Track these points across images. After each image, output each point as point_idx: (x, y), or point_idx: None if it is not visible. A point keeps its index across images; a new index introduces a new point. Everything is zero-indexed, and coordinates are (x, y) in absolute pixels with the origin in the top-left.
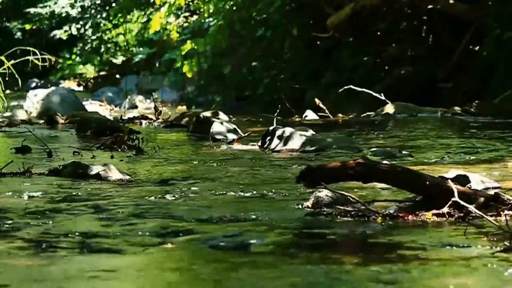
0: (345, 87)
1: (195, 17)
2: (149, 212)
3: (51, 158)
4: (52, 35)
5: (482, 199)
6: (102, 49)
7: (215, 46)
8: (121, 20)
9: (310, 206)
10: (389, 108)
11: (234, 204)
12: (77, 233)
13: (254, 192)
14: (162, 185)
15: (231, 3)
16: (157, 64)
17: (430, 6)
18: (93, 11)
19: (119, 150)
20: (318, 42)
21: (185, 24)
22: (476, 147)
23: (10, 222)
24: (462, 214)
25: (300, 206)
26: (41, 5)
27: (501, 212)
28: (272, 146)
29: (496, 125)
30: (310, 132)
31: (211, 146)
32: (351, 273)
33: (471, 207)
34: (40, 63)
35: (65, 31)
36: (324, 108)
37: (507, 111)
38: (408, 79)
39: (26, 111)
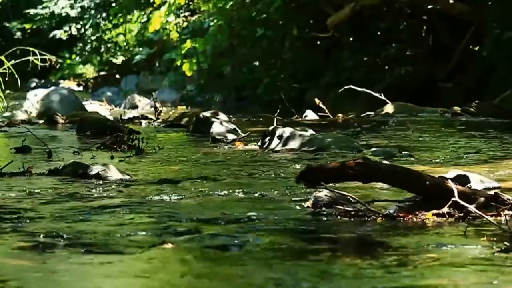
0: (345, 87)
1: (195, 16)
2: (149, 212)
3: (51, 158)
4: (52, 35)
5: (482, 199)
6: (102, 49)
7: (215, 46)
8: (121, 20)
9: (310, 206)
10: (389, 108)
11: (234, 204)
12: (76, 233)
13: (254, 192)
14: (162, 185)
15: (231, 3)
16: (157, 64)
17: (430, 6)
18: (93, 11)
19: (119, 150)
20: (318, 42)
21: (185, 24)
22: (476, 147)
23: (10, 222)
24: (462, 214)
25: (300, 206)
26: (40, 6)
27: (501, 212)
28: (272, 146)
29: (496, 125)
30: (310, 132)
31: (211, 146)
32: (351, 273)
33: (471, 207)
34: (40, 63)
35: (65, 31)
36: (324, 108)
37: (507, 111)
38: (408, 79)
39: (26, 111)
